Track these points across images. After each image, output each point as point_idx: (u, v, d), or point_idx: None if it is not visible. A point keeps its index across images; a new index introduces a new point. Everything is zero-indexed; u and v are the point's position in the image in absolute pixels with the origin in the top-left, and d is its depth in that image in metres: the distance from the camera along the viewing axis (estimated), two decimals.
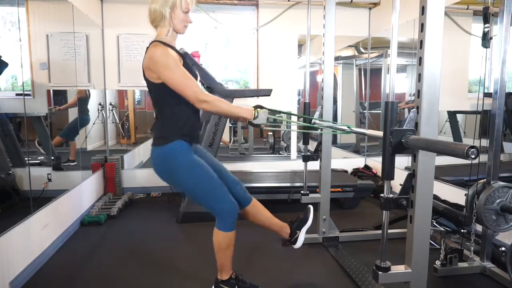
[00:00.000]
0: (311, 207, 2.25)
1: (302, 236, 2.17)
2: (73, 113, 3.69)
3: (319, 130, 2.59)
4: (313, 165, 3.02)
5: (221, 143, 3.46)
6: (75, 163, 3.57)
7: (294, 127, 2.58)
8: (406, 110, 4.15)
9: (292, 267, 2.49)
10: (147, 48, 1.81)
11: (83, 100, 3.96)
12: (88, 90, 4.10)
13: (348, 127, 2.17)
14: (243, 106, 1.91)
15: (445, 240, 2.39)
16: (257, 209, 2.14)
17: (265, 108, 1.92)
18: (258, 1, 4.39)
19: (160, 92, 1.80)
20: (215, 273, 2.03)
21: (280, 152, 5.44)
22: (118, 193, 4.13)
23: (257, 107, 1.90)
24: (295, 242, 2.17)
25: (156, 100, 1.87)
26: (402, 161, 3.47)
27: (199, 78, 1.91)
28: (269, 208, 3.60)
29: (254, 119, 1.87)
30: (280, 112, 2.02)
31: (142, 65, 1.82)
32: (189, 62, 1.89)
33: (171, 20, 1.82)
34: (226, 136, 5.50)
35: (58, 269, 2.46)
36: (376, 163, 4.62)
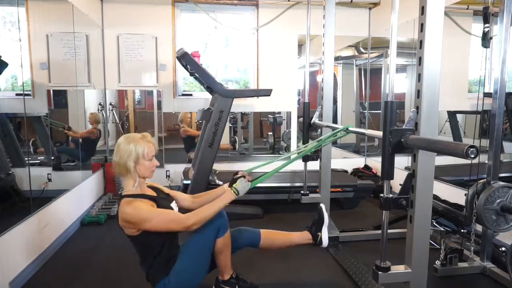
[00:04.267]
0: (323, 205, 2.25)
1: (325, 235, 2.17)
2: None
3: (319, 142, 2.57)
4: (313, 165, 3.01)
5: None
6: (75, 163, 3.57)
7: (293, 157, 2.63)
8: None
9: (292, 267, 2.49)
10: (119, 203, 1.81)
11: (90, 140, 3.96)
12: (99, 131, 4.06)
13: (347, 128, 2.17)
14: (221, 188, 2.03)
15: (445, 240, 2.39)
16: (270, 238, 2.15)
17: (242, 176, 2.00)
18: (258, 1, 4.39)
19: (143, 241, 1.82)
20: (215, 272, 2.03)
21: (280, 152, 5.43)
22: (118, 193, 4.12)
23: (232, 183, 1.98)
24: (321, 243, 2.17)
25: (140, 248, 1.87)
26: (402, 161, 3.47)
27: (175, 209, 1.93)
28: (269, 208, 3.62)
29: (238, 195, 1.94)
30: (261, 179, 2.11)
31: (118, 222, 1.83)
32: (160, 199, 1.89)
33: (136, 172, 1.80)
34: (226, 137, 5.50)
35: (58, 269, 2.46)
36: (376, 163, 4.61)
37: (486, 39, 2.20)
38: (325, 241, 2.17)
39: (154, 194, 1.91)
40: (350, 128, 2.21)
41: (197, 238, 1.90)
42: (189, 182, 3.47)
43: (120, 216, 1.77)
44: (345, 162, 4.84)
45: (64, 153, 3.61)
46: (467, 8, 3.33)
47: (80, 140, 3.74)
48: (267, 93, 3.61)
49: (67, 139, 3.59)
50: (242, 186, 1.96)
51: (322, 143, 2.45)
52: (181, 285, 1.86)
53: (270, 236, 2.15)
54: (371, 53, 4.84)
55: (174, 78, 4.35)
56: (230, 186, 1.98)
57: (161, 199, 1.90)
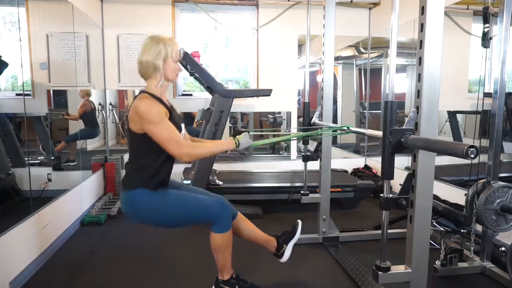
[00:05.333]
0: (300, 222, 2.25)
1: (288, 251, 2.16)
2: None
3: (319, 133, 2.59)
4: (313, 165, 3.01)
5: None
6: (75, 163, 3.57)
7: (293, 134, 2.61)
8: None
9: (292, 267, 2.48)
10: (135, 97, 1.81)
11: (87, 114, 3.96)
12: (92, 103, 4.08)
13: (347, 127, 2.17)
14: (224, 140, 1.96)
15: (445, 240, 2.39)
16: (243, 224, 2.13)
17: (246, 131, 1.95)
18: (258, 1, 4.39)
19: (141, 143, 1.80)
20: (215, 272, 2.03)
21: (280, 152, 5.43)
22: (118, 193, 4.12)
23: (236, 134, 1.94)
24: (281, 256, 2.16)
25: (134, 148, 1.86)
26: (402, 161, 3.47)
27: (183, 131, 1.94)
28: (269, 208, 3.62)
29: (237, 147, 1.90)
30: (267, 131, 2.07)
31: (127, 115, 1.82)
32: (175, 114, 1.90)
33: (163, 71, 1.81)
34: (226, 137, 5.50)
35: (58, 269, 2.46)
36: (376, 163, 4.62)
37: (486, 39, 2.20)
38: (285, 257, 2.16)
39: (170, 107, 1.90)
40: (350, 128, 2.21)
41: (194, 200, 1.88)
42: (189, 182, 3.47)
43: (132, 107, 1.76)
44: (345, 162, 4.84)
45: (73, 140, 3.66)
46: (467, 8, 3.33)
47: (79, 119, 3.75)
48: (267, 93, 3.61)
49: (67, 132, 3.62)
50: (245, 139, 1.91)
51: (322, 131, 2.45)
52: (156, 213, 1.84)
53: (243, 223, 2.12)
54: (371, 53, 4.84)
55: None
56: (234, 137, 1.94)
57: (175, 114, 1.90)
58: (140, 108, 1.72)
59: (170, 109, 1.86)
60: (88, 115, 3.99)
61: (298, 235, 2.19)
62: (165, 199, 1.85)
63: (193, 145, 1.86)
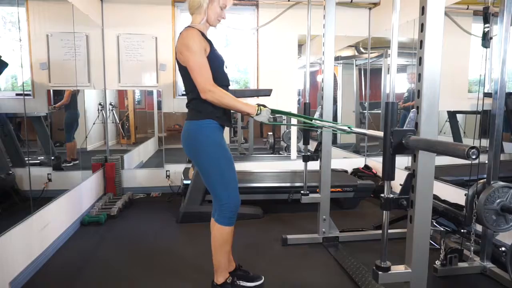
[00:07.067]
0: (262, 278, 2.24)
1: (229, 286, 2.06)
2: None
3: (319, 129, 2.61)
4: (313, 165, 3.02)
5: None
6: (76, 162, 3.57)
7: (295, 124, 2.60)
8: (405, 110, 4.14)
9: (292, 267, 2.49)
10: (181, 33, 1.87)
11: (73, 96, 3.95)
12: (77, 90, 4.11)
13: (349, 127, 2.17)
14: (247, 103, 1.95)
15: (445, 240, 2.39)
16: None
17: (268, 108, 1.96)
18: (258, 1, 4.39)
19: (189, 77, 1.84)
20: (213, 276, 2.03)
21: (280, 152, 5.43)
22: (118, 193, 4.13)
23: (260, 105, 1.95)
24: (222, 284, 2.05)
25: (188, 84, 1.90)
26: (402, 161, 3.47)
27: (225, 65, 1.99)
28: (269, 208, 3.62)
29: (256, 115, 1.91)
30: (282, 112, 2.06)
31: (175, 48, 1.90)
32: (216, 50, 1.95)
33: (207, 10, 1.87)
34: (226, 137, 5.49)
35: (58, 269, 2.46)
36: (376, 163, 4.62)
37: (486, 39, 2.20)
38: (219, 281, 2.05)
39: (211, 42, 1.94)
40: (352, 128, 2.20)
41: (221, 175, 1.91)
42: (189, 182, 3.48)
43: (179, 38, 1.84)
44: (345, 162, 4.84)
45: (72, 124, 3.68)
46: (467, 8, 3.33)
47: (68, 102, 3.70)
48: (267, 93, 3.61)
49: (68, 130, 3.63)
50: (265, 112, 1.93)
51: (323, 125, 2.46)
52: (199, 152, 1.90)
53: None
54: (371, 53, 4.84)
55: (174, 78, 4.35)
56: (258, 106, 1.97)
57: (217, 50, 1.94)
58: (184, 39, 1.80)
59: (212, 44, 1.90)
60: (75, 97, 3.98)
61: (251, 285, 2.16)
62: (218, 150, 1.89)
63: (220, 89, 1.83)
